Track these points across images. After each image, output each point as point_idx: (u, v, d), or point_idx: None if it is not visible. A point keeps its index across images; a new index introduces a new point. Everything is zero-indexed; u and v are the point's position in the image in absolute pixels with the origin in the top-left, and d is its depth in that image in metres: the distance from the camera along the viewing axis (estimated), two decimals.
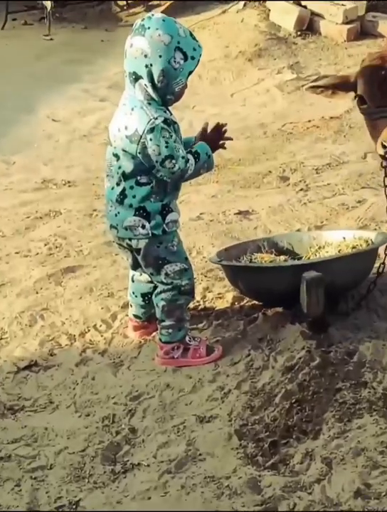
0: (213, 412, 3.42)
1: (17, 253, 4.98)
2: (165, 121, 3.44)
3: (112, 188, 3.63)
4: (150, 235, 3.58)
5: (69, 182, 6.26)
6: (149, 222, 3.57)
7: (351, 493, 2.96)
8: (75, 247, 5.02)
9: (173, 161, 3.46)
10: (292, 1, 9.40)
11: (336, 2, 9.24)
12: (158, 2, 10.74)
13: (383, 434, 3.20)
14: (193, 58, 3.43)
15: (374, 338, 3.77)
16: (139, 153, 3.49)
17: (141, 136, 3.46)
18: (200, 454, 3.20)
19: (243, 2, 9.74)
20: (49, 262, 4.83)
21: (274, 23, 9.30)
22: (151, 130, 3.43)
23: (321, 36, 9.16)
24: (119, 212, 3.61)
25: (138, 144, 3.48)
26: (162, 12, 10.45)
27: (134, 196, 3.57)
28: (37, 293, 4.49)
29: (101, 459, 3.24)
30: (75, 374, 3.76)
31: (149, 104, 3.46)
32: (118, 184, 3.60)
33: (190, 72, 3.46)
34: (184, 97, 7.71)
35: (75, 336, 4.06)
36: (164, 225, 3.59)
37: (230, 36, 9.16)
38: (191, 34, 3.47)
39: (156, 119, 3.43)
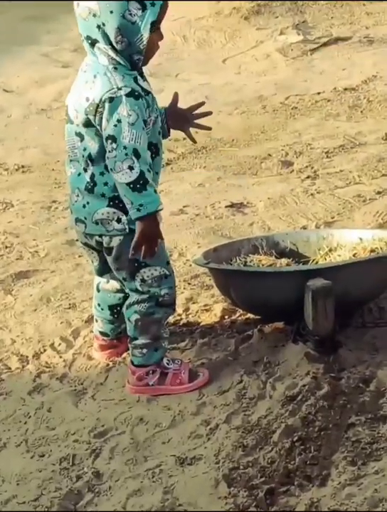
0: (196, 452, 3.39)
1: None
2: (131, 93, 3.40)
3: (78, 175, 3.60)
4: (127, 230, 3.54)
5: (23, 167, 6.28)
6: (126, 215, 3.53)
7: None
8: (30, 247, 5.01)
9: (113, 145, 3.41)
10: None
11: None
12: None
13: None
14: (153, 4, 3.39)
15: None
16: (98, 126, 3.46)
17: (98, 105, 3.44)
18: (179, 505, 3.16)
19: None
20: None
21: None
22: (110, 100, 3.40)
23: None
24: (87, 203, 3.59)
25: (95, 116, 3.45)
26: None
27: (105, 183, 3.54)
28: None
29: (58, 509, 3.19)
30: (28, 404, 3.74)
31: (115, 68, 3.44)
32: (85, 170, 3.57)
33: (153, 23, 3.40)
34: (166, 63, 7.75)
35: (27, 357, 4.04)
36: None
37: None
38: None
39: (120, 89, 3.40)
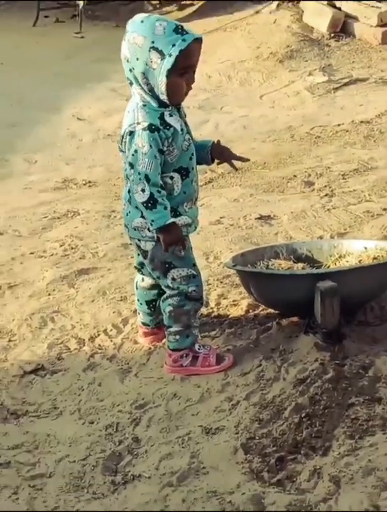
0: (219, 424, 3.35)
1: (32, 253, 4.97)
2: (148, 127, 3.36)
3: (124, 187, 3.62)
4: (156, 237, 3.52)
5: (90, 182, 6.26)
6: None
7: None
8: (91, 248, 4.99)
9: (132, 171, 3.41)
10: (326, 3, 9.32)
11: (370, 4, 9.15)
12: (190, 2, 10.73)
13: None
14: (170, 55, 3.30)
15: None
16: (125, 152, 3.47)
17: (123, 137, 3.45)
18: (203, 468, 3.13)
19: (276, 3, 9.70)
20: (63, 263, 4.81)
21: (307, 24, 9.26)
22: (130, 133, 3.40)
23: (355, 38, 9.11)
24: (129, 212, 3.59)
25: (122, 144, 3.48)
26: (194, 12, 10.45)
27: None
28: (49, 295, 4.47)
29: (102, 468, 3.17)
30: (82, 379, 3.71)
31: (144, 105, 3.41)
32: (127, 184, 3.58)
33: (169, 71, 3.31)
34: (212, 98, 7.72)
35: (84, 340, 4.02)
36: None
37: (261, 37, 9.14)
38: (177, 29, 3.31)
39: (139, 123, 3.38)
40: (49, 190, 6.10)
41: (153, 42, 3.29)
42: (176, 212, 3.54)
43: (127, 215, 3.60)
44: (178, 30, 3.32)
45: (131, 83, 3.42)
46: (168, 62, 3.31)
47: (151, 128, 3.37)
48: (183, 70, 3.35)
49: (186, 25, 3.39)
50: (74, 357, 3.89)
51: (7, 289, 4.55)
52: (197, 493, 3.01)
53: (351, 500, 2.92)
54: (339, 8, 9.32)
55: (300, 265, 4.05)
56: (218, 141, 3.74)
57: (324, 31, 9.15)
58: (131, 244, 3.76)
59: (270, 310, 4.04)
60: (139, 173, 3.39)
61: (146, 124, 3.37)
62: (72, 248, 5.00)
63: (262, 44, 8.97)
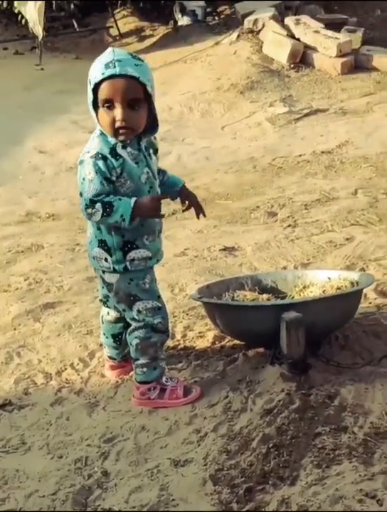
0: (188, 456, 3.37)
1: None
2: (95, 155, 3.37)
3: None
4: (112, 269, 3.56)
5: (53, 215, 6.28)
6: (111, 257, 3.55)
7: None
8: (56, 282, 5.02)
9: (81, 199, 3.43)
10: (285, 34, 9.48)
11: (330, 35, 9.32)
12: (150, 33, 10.86)
13: (362, 482, 3.16)
14: (90, 83, 3.36)
15: (356, 382, 3.73)
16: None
17: (78, 166, 3.48)
18: (173, 500, 3.15)
19: (237, 34, 9.84)
20: (28, 297, 4.84)
21: (267, 55, 9.41)
22: (80, 162, 3.42)
23: (315, 69, 9.26)
24: (91, 241, 3.63)
25: (76, 174, 3.50)
26: (154, 43, 10.58)
27: (98, 228, 3.55)
28: (15, 329, 4.49)
29: (72, 503, 3.18)
30: (50, 414, 3.73)
31: (101, 134, 3.42)
32: None
33: (91, 103, 3.34)
34: (174, 130, 7.77)
35: (51, 374, 4.04)
36: (126, 262, 3.54)
37: (222, 68, 9.25)
38: (108, 64, 3.30)
39: (88, 152, 3.40)
40: (12, 223, 6.12)
41: (89, 75, 3.37)
42: (132, 245, 3.55)
43: (90, 243, 3.64)
44: (108, 65, 3.31)
45: None
46: (89, 95, 3.37)
47: (97, 156, 3.37)
48: (103, 103, 3.34)
49: (140, 58, 3.42)
50: (41, 391, 3.90)
51: None
52: None
53: None
54: (298, 39, 9.48)
55: (265, 296, 4.12)
56: (184, 185, 3.82)
57: (283, 62, 9.30)
58: (96, 277, 3.80)
59: (236, 341, 4.08)
60: (85, 200, 3.39)
61: (94, 152, 3.38)
62: (37, 282, 5.04)
63: (222, 75, 9.09)
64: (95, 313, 4.55)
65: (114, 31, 11.16)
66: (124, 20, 11.32)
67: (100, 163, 3.37)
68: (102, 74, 3.30)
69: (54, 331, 4.43)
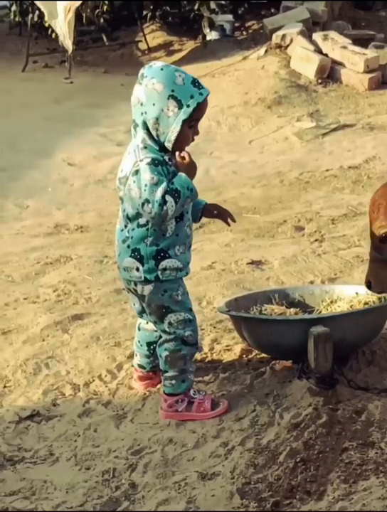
0: (215, 469, 3.37)
1: (25, 299, 5.01)
2: (151, 161, 3.44)
3: (121, 230, 3.65)
4: (143, 279, 3.58)
5: (81, 227, 6.31)
6: (143, 266, 3.57)
7: None
8: (84, 294, 5.04)
9: (150, 206, 3.45)
10: (312, 49, 9.49)
11: (357, 51, 9.32)
12: (179, 47, 10.90)
13: None
14: (188, 106, 3.41)
15: (384, 397, 3.72)
16: (129, 194, 3.52)
17: (127, 178, 3.51)
18: None
19: (264, 49, 9.86)
20: (57, 308, 4.85)
21: (294, 70, 9.41)
22: (135, 173, 3.46)
23: (342, 85, 9.25)
24: (120, 253, 3.64)
25: (126, 187, 3.52)
26: (183, 57, 10.62)
27: (132, 237, 3.58)
28: (43, 340, 4.50)
29: None
30: (77, 425, 3.74)
31: (145, 147, 3.48)
32: (126, 226, 3.62)
33: (183, 121, 3.43)
34: (202, 144, 7.77)
35: (79, 385, 4.04)
36: (158, 271, 3.56)
37: (250, 83, 9.27)
38: (194, 82, 3.46)
39: (142, 161, 3.45)
40: (41, 235, 6.16)
41: (172, 90, 3.40)
42: (165, 254, 3.58)
43: (119, 255, 3.66)
44: (195, 84, 3.45)
45: (136, 125, 3.51)
46: (185, 113, 3.41)
47: (155, 162, 3.45)
48: (194, 121, 3.46)
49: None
50: (69, 403, 3.91)
51: (1, 334, 4.58)
52: None
53: None
54: (326, 55, 9.49)
55: (293, 310, 4.11)
56: (209, 204, 3.87)
57: (311, 77, 9.31)
58: (124, 289, 3.80)
59: (263, 355, 4.08)
60: (157, 201, 3.43)
61: (149, 159, 3.45)
62: (65, 293, 5.05)
63: (250, 90, 9.11)
64: (123, 325, 4.57)
65: (142, 45, 11.21)
66: (153, 35, 11.38)
67: (159, 168, 3.44)
68: (200, 94, 3.43)
69: (82, 343, 4.43)
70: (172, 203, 3.45)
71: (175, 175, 3.50)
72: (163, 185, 3.43)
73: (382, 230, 3.76)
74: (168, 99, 3.41)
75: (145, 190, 3.44)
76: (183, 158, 3.51)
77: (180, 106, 3.42)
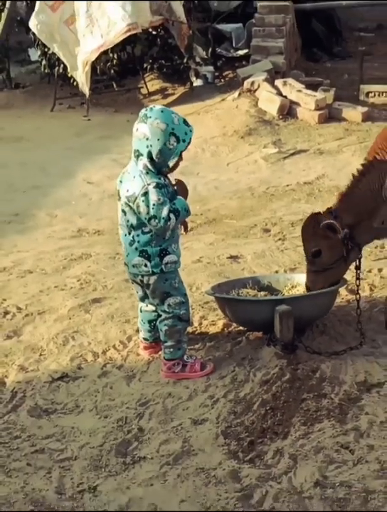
0: (204, 416, 3.39)
1: (55, 287, 4.98)
2: (156, 185, 3.45)
3: (125, 235, 3.65)
4: (150, 272, 3.59)
5: (98, 231, 6.27)
6: (150, 262, 3.58)
7: (312, 483, 2.92)
8: (101, 282, 5.00)
9: (156, 221, 3.47)
10: (275, 92, 9.48)
11: (309, 93, 9.32)
12: (172, 92, 10.86)
13: (338, 436, 3.17)
14: (184, 141, 3.44)
15: (333, 359, 3.73)
16: (136, 210, 3.51)
17: (136, 198, 3.49)
18: (193, 450, 3.17)
19: (238, 92, 9.84)
20: (80, 294, 4.82)
21: (261, 108, 9.37)
22: (144, 194, 3.45)
23: (298, 119, 9.21)
24: (129, 254, 3.64)
25: (134, 204, 3.51)
26: (175, 100, 10.58)
27: (138, 242, 3.59)
28: (70, 319, 4.48)
29: (115, 452, 3.21)
30: (97, 384, 3.74)
31: (147, 173, 3.48)
32: (129, 233, 3.62)
33: (181, 151, 3.47)
34: (190, 166, 7.73)
35: (98, 353, 4.04)
36: (162, 265, 3.59)
37: (227, 119, 9.23)
38: (184, 121, 3.48)
39: (149, 185, 3.45)
40: (67, 237, 6.12)
41: (173, 129, 3.41)
42: (166, 252, 3.59)
43: (127, 256, 3.66)
44: (185, 123, 3.48)
45: (140, 155, 3.48)
46: (183, 146, 3.44)
47: (159, 185, 3.46)
48: (182, 152, 3.48)
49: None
50: (90, 367, 3.91)
51: (37, 315, 4.57)
52: (189, 469, 3.05)
53: (306, 473, 2.98)
54: (285, 97, 9.47)
55: (263, 293, 4.12)
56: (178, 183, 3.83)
57: (274, 114, 9.27)
58: (130, 280, 3.79)
59: (241, 328, 4.08)
60: (163, 218, 3.45)
61: (154, 183, 3.45)
62: (86, 282, 5.02)
63: (227, 124, 9.07)
64: (131, 306, 4.55)
65: (144, 90, 11.15)
66: (152, 82, 11.31)
67: (163, 190, 3.45)
68: (191, 131, 3.46)
69: (100, 320, 4.41)
70: (174, 220, 3.48)
71: (172, 194, 3.52)
72: (168, 205, 3.45)
73: (313, 249, 3.82)
74: (170, 135, 3.41)
75: (153, 208, 3.44)
76: (181, 183, 3.58)
77: (178, 140, 3.42)
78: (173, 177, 3.65)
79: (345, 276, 4.00)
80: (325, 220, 3.80)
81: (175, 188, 3.61)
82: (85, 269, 5.26)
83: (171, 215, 3.47)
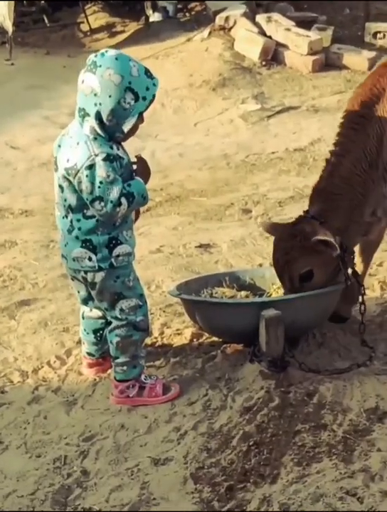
0: (168, 454, 3.36)
1: None
2: (107, 157, 3.41)
3: (63, 217, 3.60)
4: (96, 267, 3.55)
5: (26, 211, 6.24)
6: (96, 255, 3.54)
7: None
8: (31, 279, 4.98)
9: (102, 204, 3.42)
10: (256, 31, 9.48)
11: (300, 33, 9.34)
12: (121, 29, 10.81)
13: (342, 480, 3.16)
14: (144, 99, 3.40)
15: (335, 379, 3.74)
16: (78, 187, 3.47)
17: (78, 171, 3.44)
18: (154, 499, 3.14)
19: (208, 31, 9.82)
20: (3, 294, 4.79)
21: (238, 52, 9.40)
22: (89, 167, 3.41)
23: (286, 67, 9.27)
24: (67, 243, 3.60)
25: (75, 178, 3.46)
26: (126, 39, 10.53)
27: (79, 228, 3.54)
28: None
29: (51, 502, 3.16)
30: (27, 413, 3.69)
31: (95, 138, 3.43)
32: (66, 216, 3.57)
33: (140, 112, 3.42)
34: (147, 126, 7.69)
35: (27, 372, 4.00)
36: (112, 259, 3.55)
37: (194, 65, 9.23)
38: (147, 72, 3.43)
39: (97, 155, 3.40)
40: None
41: (130, 82, 3.35)
42: (117, 241, 3.55)
43: (66, 246, 3.61)
44: (148, 74, 3.41)
45: (86, 114, 3.43)
46: (143, 105, 3.39)
47: (110, 157, 3.41)
48: (145, 111, 3.43)
49: None
50: (18, 390, 3.86)
51: None
52: None
53: None
54: (270, 37, 9.49)
55: (243, 293, 4.12)
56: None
57: (255, 59, 9.30)
58: (69, 277, 3.76)
59: (215, 338, 4.07)
60: (112, 201, 3.40)
61: (104, 155, 3.40)
62: (11, 279, 4.99)
63: (194, 72, 9.08)
64: (71, 310, 4.52)
65: (85, 27, 11.09)
66: (95, 16, 11.26)
67: (115, 164, 3.41)
68: (154, 85, 3.42)
69: (30, 329, 4.38)
70: (125, 206, 3.45)
71: (127, 170, 3.49)
72: (119, 186, 3.41)
73: (302, 271, 3.79)
74: (125, 91, 3.36)
75: (99, 187, 3.40)
76: (141, 161, 3.55)
77: (137, 98, 3.38)
78: (130, 148, 3.62)
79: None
80: (310, 229, 3.75)
81: (133, 166, 3.58)
82: (9, 262, 5.22)
83: (123, 200, 3.43)
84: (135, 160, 3.60)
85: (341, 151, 3.86)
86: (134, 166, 3.59)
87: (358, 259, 4.13)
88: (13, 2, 10.03)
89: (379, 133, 3.80)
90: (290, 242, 3.81)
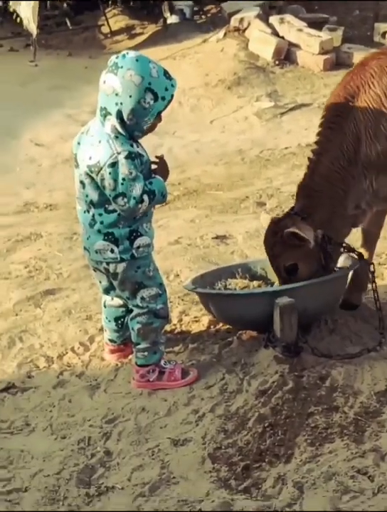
0: (187, 436, 3.37)
1: None
2: (128, 155, 3.42)
3: (84, 212, 3.61)
4: (119, 259, 3.56)
5: (50, 205, 6.25)
6: (118, 247, 3.56)
7: None
8: (55, 269, 4.98)
9: (125, 200, 3.44)
10: (269, 32, 9.46)
11: (312, 33, 9.31)
12: (140, 31, 10.80)
13: (353, 459, 3.17)
14: (163, 99, 3.40)
15: (346, 363, 3.73)
16: (100, 184, 3.48)
17: (101, 168, 3.44)
18: (173, 477, 3.15)
19: (223, 32, 9.80)
20: (29, 284, 4.80)
21: (253, 52, 9.37)
22: (112, 165, 3.42)
23: (299, 66, 9.24)
24: (90, 236, 3.61)
25: (98, 175, 3.47)
26: (144, 41, 10.52)
27: (101, 222, 3.55)
28: (16, 315, 4.45)
29: (76, 481, 3.17)
30: (52, 396, 3.71)
31: (116, 137, 3.44)
32: (88, 210, 3.58)
33: (159, 112, 3.43)
34: (165, 124, 7.71)
35: (52, 358, 4.01)
36: (133, 250, 3.57)
37: (210, 65, 9.21)
38: (166, 73, 3.43)
39: (119, 153, 3.41)
40: (11, 213, 6.09)
41: (150, 83, 3.35)
42: (137, 233, 3.57)
43: (88, 239, 3.62)
44: (166, 75, 3.42)
45: (107, 114, 3.43)
46: (161, 105, 3.40)
47: (132, 156, 3.42)
48: (163, 111, 3.44)
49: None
50: (43, 375, 3.88)
51: None
52: (168, 502, 3.03)
53: (314, 505, 2.97)
54: (283, 37, 9.46)
55: (255, 283, 4.11)
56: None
57: (268, 59, 9.28)
58: (91, 268, 3.77)
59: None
60: (134, 198, 3.42)
61: (126, 153, 3.41)
62: (36, 269, 5.00)
63: (210, 71, 9.06)
64: (94, 299, 4.53)
65: (105, 29, 11.09)
66: (115, 19, 11.25)
67: (136, 162, 3.42)
68: (172, 86, 3.42)
69: (54, 317, 4.39)
70: (147, 202, 3.47)
71: (147, 167, 3.51)
72: (141, 183, 3.43)
73: (287, 264, 3.81)
74: (145, 91, 3.36)
75: (122, 184, 3.41)
76: (161, 161, 3.57)
77: (156, 98, 3.38)
78: (148, 144, 3.62)
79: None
80: (291, 225, 3.74)
81: (152, 164, 3.59)
82: (35, 253, 5.23)
83: (145, 197, 3.45)
84: (155, 159, 3.61)
85: (319, 150, 3.85)
86: (154, 166, 3.60)
87: (361, 250, 4.11)
88: (37, 6, 10.04)
89: (355, 131, 3.76)
90: (274, 238, 3.83)
